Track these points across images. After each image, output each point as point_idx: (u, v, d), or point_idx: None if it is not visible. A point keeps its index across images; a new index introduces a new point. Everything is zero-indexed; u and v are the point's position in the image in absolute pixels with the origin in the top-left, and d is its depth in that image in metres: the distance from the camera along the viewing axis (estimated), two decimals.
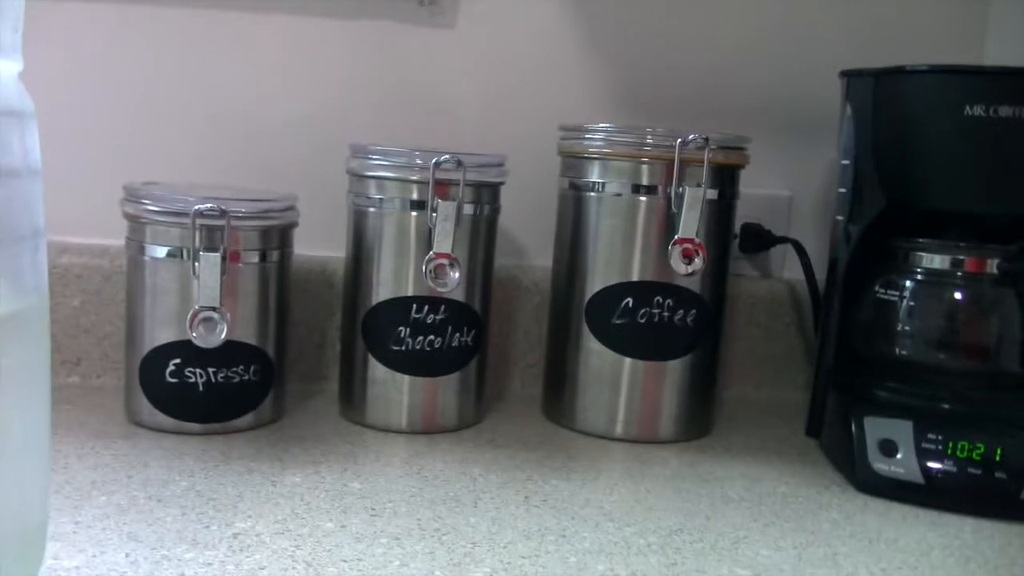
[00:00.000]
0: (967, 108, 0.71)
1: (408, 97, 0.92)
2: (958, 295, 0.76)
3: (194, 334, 0.70)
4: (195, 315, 0.70)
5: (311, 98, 0.91)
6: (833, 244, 0.84)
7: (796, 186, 1.01)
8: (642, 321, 0.79)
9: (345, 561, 0.55)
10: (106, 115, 0.89)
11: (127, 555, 0.54)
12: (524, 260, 0.96)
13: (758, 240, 0.97)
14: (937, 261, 0.77)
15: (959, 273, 0.76)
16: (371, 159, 0.77)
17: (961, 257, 0.76)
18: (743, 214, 0.95)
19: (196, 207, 0.70)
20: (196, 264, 0.70)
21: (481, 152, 0.79)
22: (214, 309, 0.70)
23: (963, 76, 0.73)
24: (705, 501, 0.68)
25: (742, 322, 0.98)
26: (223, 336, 0.71)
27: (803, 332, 0.99)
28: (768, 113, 0.98)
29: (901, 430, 0.72)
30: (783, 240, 0.96)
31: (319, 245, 0.88)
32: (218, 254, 0.70)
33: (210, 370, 0.73)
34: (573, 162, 0.82)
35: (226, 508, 0.61)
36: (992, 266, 0.75)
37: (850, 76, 0.81)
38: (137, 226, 0.74)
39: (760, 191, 0.97)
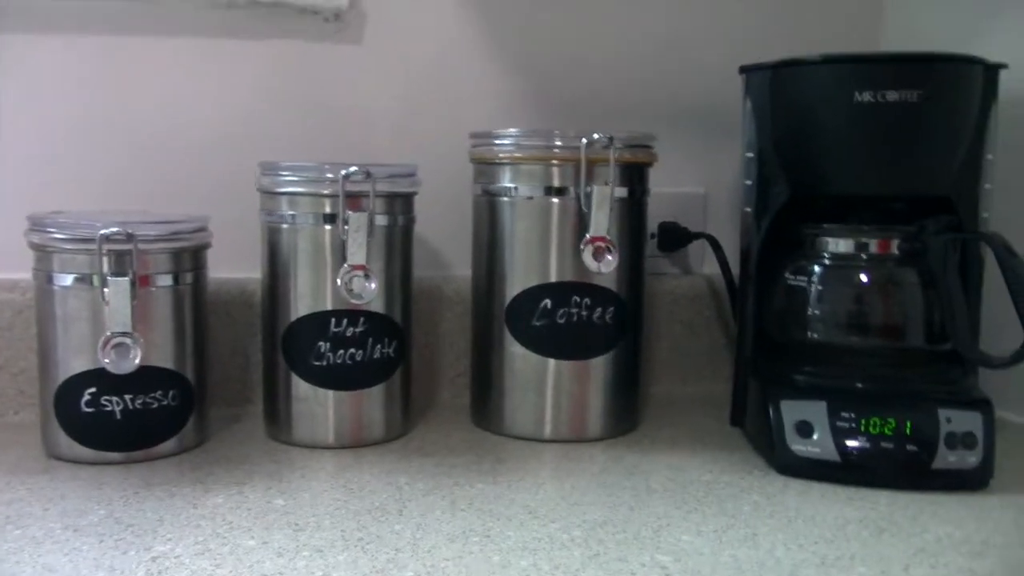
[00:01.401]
0: (856, 95, 0.74)
1: (319, 114, 0.92)
2: (863, 277, 0.78)
3: (106, 360, 0.69)
4: (107, 341, 0.69)
5: (221, 119, 0.90)
6: (744, 235, 0.86)
7: (709, 183, 1.03)
8: (561, 321, 0.80)
9: None
10: (9, 146, 0.87)
11: None
12: (445, 270, 0.97)
13: (675, 238, 0.99)
14: (842, 245, 0.79)
15: (863, 256, 0.78)
16: (281, 175, 0.77)
17: (864, 240, 0.78)
18: (660, 214, 0.98)
19: (102, 232, 0.69)
20: (105, 290, 0.69)
21: (392, 163, 0.79)
22: (126, 334, 0.69)
23: (851, 65, 0.75)
24: (629, 493, 0.69)
25: (665, 319, 1.00)
26: (137, 361, 0.70)
27: (725, 325, 1.01)
28: (678, 112, 1.00)
29: (816, 411, 0.74)
30: (699, 236, 0.98)
31: (237, 267, 0.87)
32: (127, 278, 0.69)
33: (127, 397, 0.72)
34: (485, 168, 0.83)
35: (145, 533, 0.60)
36: (895, 247, 0.78)
37: (748, 71, 0.83)
38: (43, 255, 0.72)
39: (674, 190, 1.00)
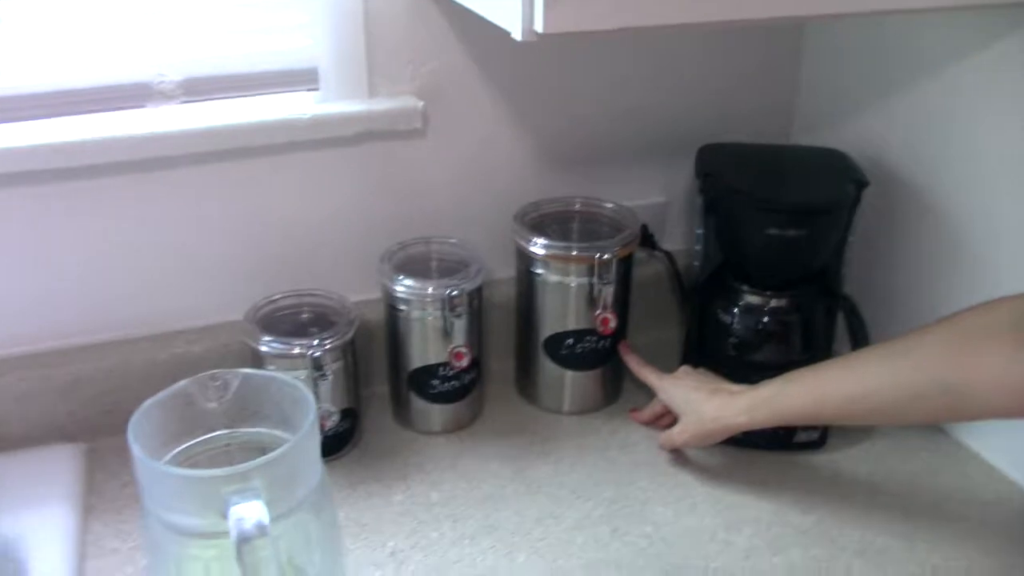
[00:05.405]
0: (768, 229, 1.17)
1: (399, 195, 1.30)
2: (765, 319, 1.26)
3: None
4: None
5: (336, 211, 1.28)
6: (692, 279, 1.31)
7: (670, 192, 1.45)
8: (579, 351, 1.28)
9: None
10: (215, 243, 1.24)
11: None
12: (488, 275, 1.39)
13: (644, 242, 1.43)
14: (754, 299, 1.26)
15: (766, 307, 1.25)
16: (396, 290, 1.18)
17: (767, 298, 1.25)
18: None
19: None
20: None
21: (464, 266, 1.21)
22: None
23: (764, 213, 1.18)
24: (623, 468, 1.21)
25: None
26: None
27: (675, 302, 1.49)
28: (643, 141, 1.40)
29: None
30: (661, 250, 1.41)
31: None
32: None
33: None
34: (523, 255, 1.25)
35: (374, 531, 1.11)
36: (785, 301, 1.25)
37: (703, 176, 1.24)
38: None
39: (644, 201, 1.41)
